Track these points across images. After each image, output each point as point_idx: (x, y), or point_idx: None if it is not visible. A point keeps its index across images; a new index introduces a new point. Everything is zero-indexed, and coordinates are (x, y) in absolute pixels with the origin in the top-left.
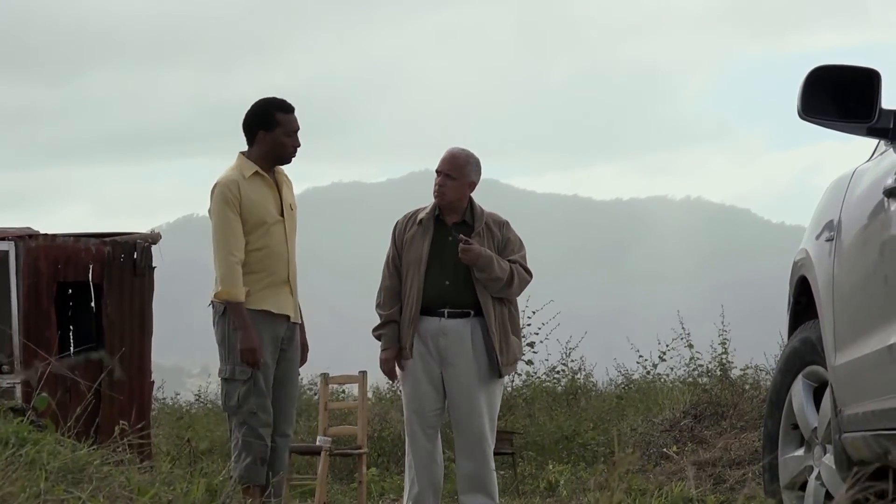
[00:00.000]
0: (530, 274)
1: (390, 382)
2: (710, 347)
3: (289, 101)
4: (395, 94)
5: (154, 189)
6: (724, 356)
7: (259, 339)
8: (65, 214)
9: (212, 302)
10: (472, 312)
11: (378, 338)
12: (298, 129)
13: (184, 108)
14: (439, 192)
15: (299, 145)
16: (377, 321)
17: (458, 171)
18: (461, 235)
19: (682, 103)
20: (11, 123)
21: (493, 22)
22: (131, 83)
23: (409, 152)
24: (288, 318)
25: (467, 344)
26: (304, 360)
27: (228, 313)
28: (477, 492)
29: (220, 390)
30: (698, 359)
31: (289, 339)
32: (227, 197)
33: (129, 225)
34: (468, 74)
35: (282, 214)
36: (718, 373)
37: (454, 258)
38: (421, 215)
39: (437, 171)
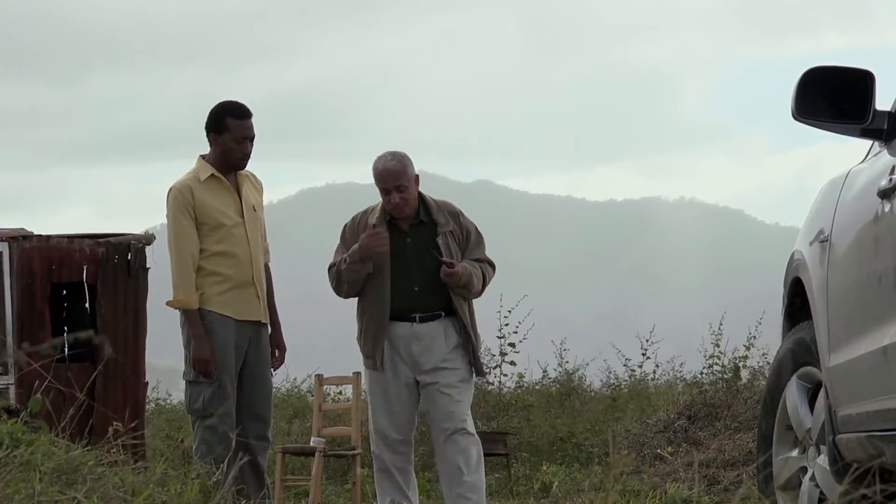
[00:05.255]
0: (494, 267)
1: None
2: (699, 347)
3: (248, 106)
4: (393, 95)
5: (155, 190)
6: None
7: (221, 344)
8: (66, 216)
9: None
10: (443, 313)
11: (347, 264)
12: (251, 136)
13: (186, 109)
14: (399, 207)
15: (248, 152)
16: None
17: (406, 178)
18: (444, 258)
19: (682, 105)
20: (14, 125)
21: (494, 25)
22: (133, 84)
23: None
24: (251, 321)
25: (441, 344)
26: (280, 360)
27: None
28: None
29: (184, 392)
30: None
31: (255, 342)
32: (179, 202)
33: (130, 226)
34: (466, 77)
35: (243, 216)
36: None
37: (418, 263)
38: (371, 220)
39: (384, 189)
